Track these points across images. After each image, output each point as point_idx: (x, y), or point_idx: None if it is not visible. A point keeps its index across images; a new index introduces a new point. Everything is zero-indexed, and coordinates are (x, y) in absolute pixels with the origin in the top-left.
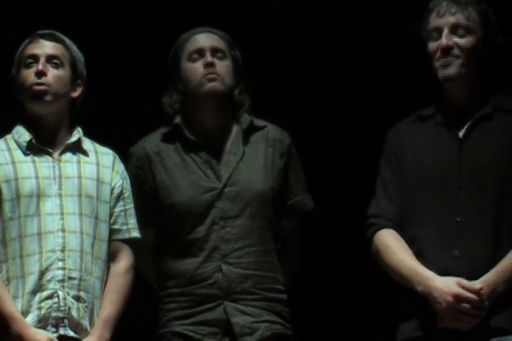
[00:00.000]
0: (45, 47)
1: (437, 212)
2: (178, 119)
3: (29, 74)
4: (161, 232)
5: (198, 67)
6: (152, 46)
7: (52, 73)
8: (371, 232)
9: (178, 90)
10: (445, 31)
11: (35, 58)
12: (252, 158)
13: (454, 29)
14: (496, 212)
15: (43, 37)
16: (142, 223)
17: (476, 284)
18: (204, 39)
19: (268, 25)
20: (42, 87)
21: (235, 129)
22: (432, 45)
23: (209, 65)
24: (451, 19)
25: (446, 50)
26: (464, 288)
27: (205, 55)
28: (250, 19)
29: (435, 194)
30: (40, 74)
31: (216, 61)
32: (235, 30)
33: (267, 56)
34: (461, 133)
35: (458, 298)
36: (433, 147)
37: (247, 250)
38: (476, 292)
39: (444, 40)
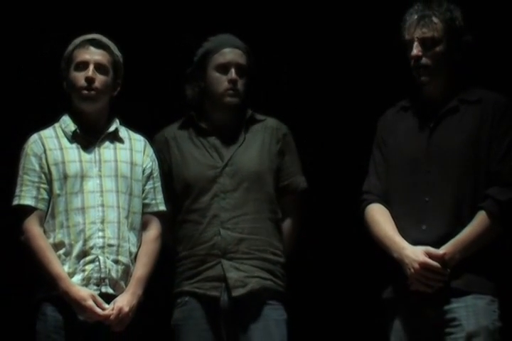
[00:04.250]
0: (94, 55)
1: (410, 192)
2: (193, 112)
3: (80, 77)
4: (174, 203)
5: (223, 81)
6: (179, 42)
7: (99, 79)
8: (362, 207)
9: (199, 86)
10: (415, 43)
11: (85, 64)
12: (251, 144)
13: (422, 41)
14: (457, 194)
15: (92, 44)
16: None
17: (440, 250)
18: (232, 55)
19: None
20: (91, 93)
21: (239, 121)
22: (409, 54)
23: (233, 82)
24: (418, 33)
25: (416, 60)
26: (429, 254)
27: (230, 71)
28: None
29: (409, 177)
30: (90, 81)
31: (238, 79)
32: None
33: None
34: (431, 125)
35: (424, 266)
36: (409, 136)
37: (242, 218)
38: (440, 257)
39: (414, 52)
